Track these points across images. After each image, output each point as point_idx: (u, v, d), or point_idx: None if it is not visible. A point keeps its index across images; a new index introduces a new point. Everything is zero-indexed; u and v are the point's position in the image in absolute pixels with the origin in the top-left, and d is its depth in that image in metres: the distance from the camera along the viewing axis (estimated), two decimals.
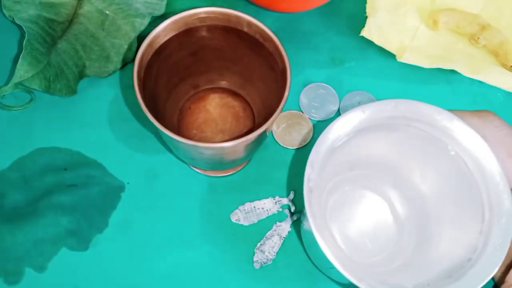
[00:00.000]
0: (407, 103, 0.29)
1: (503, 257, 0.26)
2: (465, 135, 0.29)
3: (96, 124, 0.39)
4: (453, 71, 0.41)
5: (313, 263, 0.35)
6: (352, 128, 0.29)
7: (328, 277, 0.35)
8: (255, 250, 0.36)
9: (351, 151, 0.32)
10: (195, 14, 0.31)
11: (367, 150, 0.33)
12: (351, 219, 0.35)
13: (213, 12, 0.31)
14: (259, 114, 0.37)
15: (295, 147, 0.39)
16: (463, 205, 0.30)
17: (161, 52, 0.31)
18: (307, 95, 0.40)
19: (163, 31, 0.30)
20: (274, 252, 0.35)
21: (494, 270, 0.26)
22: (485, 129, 0.29)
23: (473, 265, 0.26)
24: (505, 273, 0.29)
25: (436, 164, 0.31)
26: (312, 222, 0.26)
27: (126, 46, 0.39)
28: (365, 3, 0.43)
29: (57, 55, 0.37)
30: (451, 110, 0.29)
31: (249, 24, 0.31)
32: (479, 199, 0.28)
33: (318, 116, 0.40)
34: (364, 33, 0.41)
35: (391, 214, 0.35)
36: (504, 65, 0.41)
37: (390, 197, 0.35)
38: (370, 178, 0.36)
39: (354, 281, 0.25)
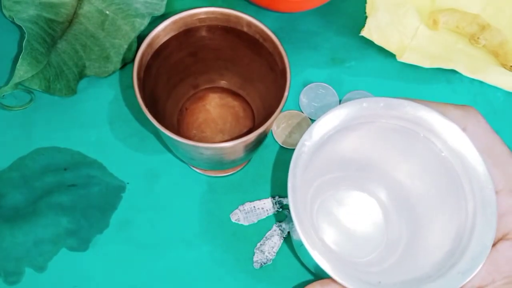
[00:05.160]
0: (389, 101, 0.29)
1: (488, 250, 0.26)
2: (445, 128, 0.29)
3: (96, 124, 0.39)
4: (453, 71, 0.41)
5: (308, 269, 0.35)
6: (333, 128, 0.29)
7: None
8: (255, 250, 0.36)
9: (333, 151, 0.32)
10: (195, 14, 0.31)
11: (349, 149, 0.33)
12: (340, 219, 0.35)
13: (213, 12, 0.31)
14: (259, 114, 0.37)
15: (295, 147, 0.38)
16: (447, 198, 0.30)
17: (161, 52, 0.31)
18: (307, 95, 0.40)
19: (163, 31, 0.30)
20: (274, 252, 0.36)
21: (479, 266, 0.26)
22: (467, 121, 0.29)
23: (457, 262, 0.26)
24: None
25: (419, 157, 0.31)
26: (296, 221, 0.26)
27: (126, 46, 0.39)
28: (365, 3, 0.43)
29: (57, 55, 0.37)
30: (433, 102, 0.29)
31: (249, 24, 0.31)
32: (462, 191, 0.28)
33: (318, 116, 0.39)
34: (364, 33, 0.41)
35: (380, 211, 0.35)
36: (504, 65, 0.41)
37: (377, 195, 0.35)
38: (355, 178, 0.36)
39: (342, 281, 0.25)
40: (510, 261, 0.27)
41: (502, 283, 0.27)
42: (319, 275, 0.31)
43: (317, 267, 0.26)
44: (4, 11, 0.36)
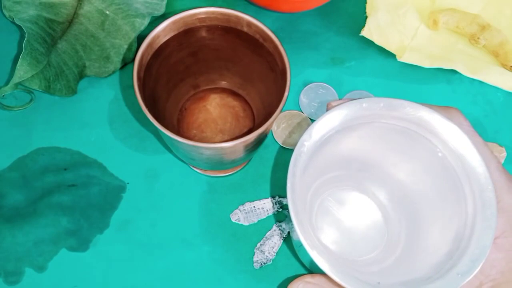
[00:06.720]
0: (389, 101, 0.29)
1: (487, 252, 0.26)
2: (446, 129, 0.29)
3: (96, 124, 0.39)
4: (453, 71, 0.41)
5: (308, 269, 0.35)
6: (333, 128, 0.29)
7: None
8: (255, 250, 0.36)
9: (333, 151, 0.32)
10: (195, 14, 0.31)
11: (349, 149, 0.33)
12: (340, 219, 0.35)
13: (212, 12, 0.31)
14: (259, 114, 0.37)
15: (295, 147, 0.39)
16: (447, 199, 0.30)
17: (161, 52, 0.31)
18: (307, 95, 0.40)
19: (163, 31, 0.30)
20: (274, 252, 0.36)
21: (478, 267, 0.26)
22: None
23: (456, 263, 0.26)
24: None
25: (419, 158, 0.31)
26: (294, 219, 0.26)
27: (126, 46, 0.39)
28: (365, 3, 0.43)
29: (57, 55, 0.37)
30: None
31: (249, 24, 0.31)
32: (462, 192, 0.28)
33: (318, 116, 0.39)
34: (364, 33, 0.41)
35: (379, 211, 0.35)
36: (504, 65, 0.41)
37: (377, 195, 0.35)
38: (355, 177, 0.36)
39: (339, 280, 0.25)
40: (495, 264, 0.27)
41: (488, 286, 0.27)
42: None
43: (316, 267, 0.26)
44: (4, 11, 0.36)
